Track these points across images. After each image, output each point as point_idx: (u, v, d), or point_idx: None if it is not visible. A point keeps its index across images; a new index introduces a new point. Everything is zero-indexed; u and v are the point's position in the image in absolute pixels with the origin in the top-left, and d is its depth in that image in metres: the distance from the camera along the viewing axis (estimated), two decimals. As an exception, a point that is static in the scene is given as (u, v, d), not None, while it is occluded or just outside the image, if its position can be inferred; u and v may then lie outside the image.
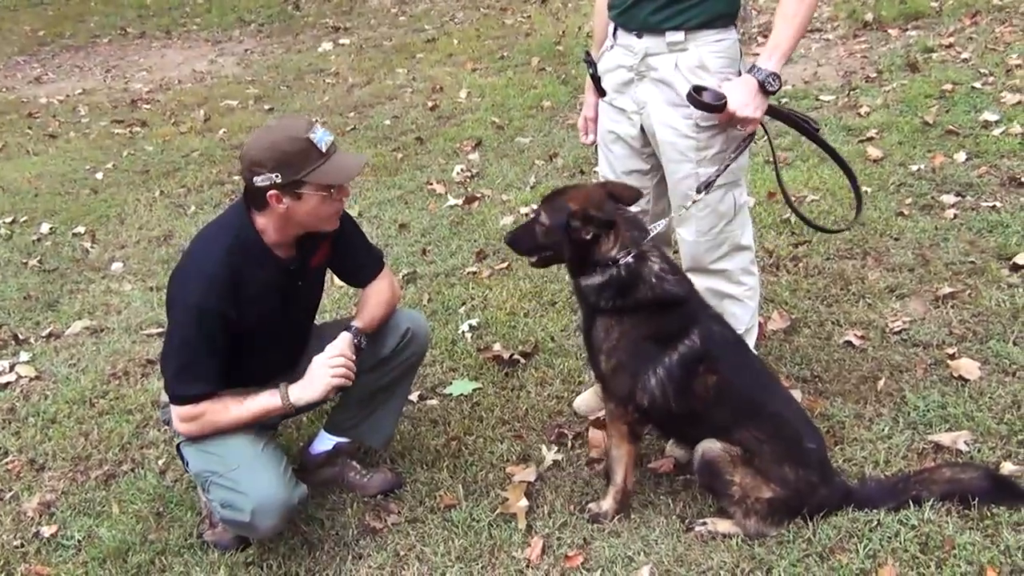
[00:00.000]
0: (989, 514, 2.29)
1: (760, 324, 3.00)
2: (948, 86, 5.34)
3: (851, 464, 2.59)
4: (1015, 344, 3.01)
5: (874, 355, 3.09)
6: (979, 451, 2.56)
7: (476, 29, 9.21)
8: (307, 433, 3.06)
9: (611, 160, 2.76)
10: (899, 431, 2.70)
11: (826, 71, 6.27)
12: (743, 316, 2.73)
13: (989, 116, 4.82)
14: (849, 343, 3.18)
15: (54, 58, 10.94)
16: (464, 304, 3.85)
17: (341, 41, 9.72)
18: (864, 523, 2.32)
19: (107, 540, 2.66)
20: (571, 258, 2.41)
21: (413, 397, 3.16)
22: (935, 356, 3.03)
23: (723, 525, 2.39)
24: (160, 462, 3.04)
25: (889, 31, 6.75)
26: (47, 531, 2.76)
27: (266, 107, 7.73)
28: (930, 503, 2.33)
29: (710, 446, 2.34)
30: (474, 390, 3.21)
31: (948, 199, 4.06)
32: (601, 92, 2.71)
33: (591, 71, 2.73)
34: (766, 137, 2.67)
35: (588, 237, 2.34)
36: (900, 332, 3.20)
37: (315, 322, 2.79)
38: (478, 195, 5.02)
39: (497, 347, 3.45)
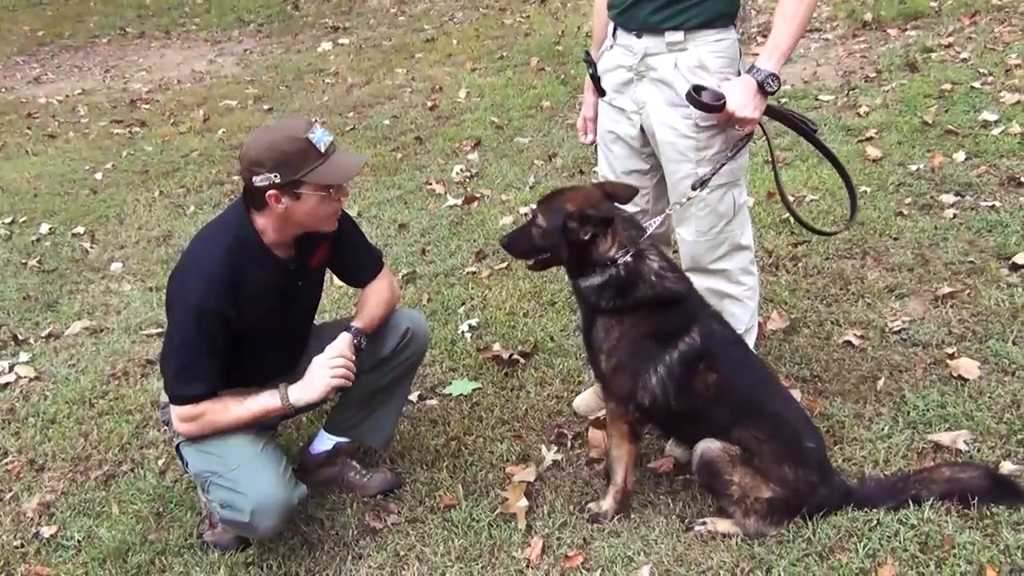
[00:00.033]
0: (989, 513, 2.29)
1: (760, 324, 3.01)
2: (947, 86, 5.33)
3: (851, 463, 2.60)
4: (1014, 344, 3.01)
5: (873, 355, 3.10)
6: (978, 450, 2.56)
7: (475, 29, 9.20)
8: (307, 433, 3.06)
9: (611, 160, 2.76)
10: (899, 431, 2.70)
11: (825, 71, 6.26)
12: (743, 316, 2.73)
13: (988, 116, 4.82)
14: (848, 343, 3.18)
15: (53, 58, 10.93)
16: (464, 304, 3.85)
17: (340, 41, 9.71)
18: (864, 522, 2.32)
19: (107, 540, 2.66)
20: (569, 259, 2.41)
21: (413, 397, 3.15)
22: (934, 356, 3.04)
23: (723, 525, 2.39)
24: (160, 462, 3.04)
25: (888, 31, 6.75)
26: (47, 531, 2.76)
27: (265, 107, 7.72)
28: (930, 502, 2.33)
29: (709, 446, 2.34)
30: (474, 390, 3.21)
31: (947, 199, 4.06)
32: (601, 92, 2.71)
33: (590, 71, 2.73)
34: (765, 137, 2.68)
35: (586, 237, 2.33)
36: (899, 332, 3.20)
37: (315, 322, 2.79)
38: (477, 195, 5.01)
39: (497, 347, 3.45)
